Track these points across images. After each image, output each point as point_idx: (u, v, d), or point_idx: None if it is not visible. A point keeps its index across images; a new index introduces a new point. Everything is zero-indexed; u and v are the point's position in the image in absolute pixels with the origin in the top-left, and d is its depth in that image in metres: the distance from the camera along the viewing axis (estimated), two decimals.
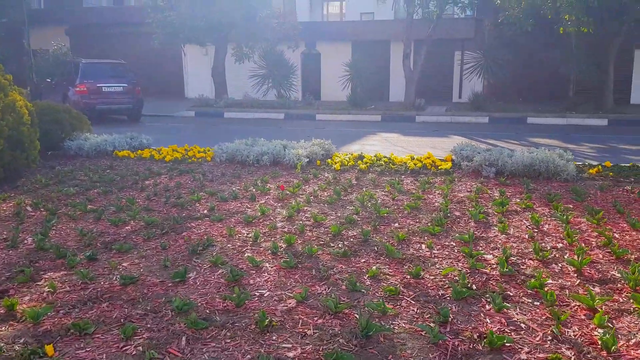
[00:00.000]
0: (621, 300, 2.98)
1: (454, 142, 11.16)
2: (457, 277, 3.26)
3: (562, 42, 18.13)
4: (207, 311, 3.00)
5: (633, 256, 3.66)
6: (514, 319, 2.67)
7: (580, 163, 6.56)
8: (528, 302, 2.88)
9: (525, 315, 2.71)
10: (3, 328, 2.87)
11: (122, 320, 2.92)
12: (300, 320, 2.81)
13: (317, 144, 8.19)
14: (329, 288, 3.23)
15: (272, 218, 4.92)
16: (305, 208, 5.21)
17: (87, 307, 3.11)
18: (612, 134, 12.44)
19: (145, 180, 6.71)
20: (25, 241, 4.34)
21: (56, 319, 2.96)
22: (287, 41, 19.97)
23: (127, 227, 4.72)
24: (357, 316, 2.77)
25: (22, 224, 4.83)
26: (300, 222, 4.76)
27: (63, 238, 4.44)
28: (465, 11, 18.34)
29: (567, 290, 3.03)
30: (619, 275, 3.28)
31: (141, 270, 3.67)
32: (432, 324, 2.64)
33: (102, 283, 3.45)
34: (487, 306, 2.83)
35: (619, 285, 3.18)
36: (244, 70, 20.67)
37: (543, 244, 3.86)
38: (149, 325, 2.84)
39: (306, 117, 17.27)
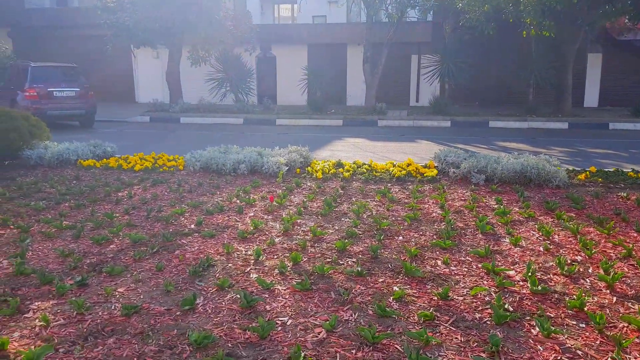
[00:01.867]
0: None
1: (424, 147, 11.29)
2: (487, 297, 3.15)
3: (520, 47, 18.74)
4: (229, 345, 2.74)
5: None
6: (567, 345, 2.56)
7: (564, 168, 6.65)
8: (573, 324, 2.80)
9: (576, 340, 2.62)
10: None
11: (135, 359, 2.62)
12: (338, 354, 2.60)
13: (294, 151, 7.98)
14: (355, 313, 3.04)
15: (267, 233, 4.68)
16: (299, 221, 4.99)
17: (89, 343, 2.78)
18: (575, 137, 12.89)
19: (118, 192, 6.28)
20: (1, 265, 3.90)
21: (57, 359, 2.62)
22: (244, 44, 19.61)
23: (112, 246, 4.35)
24: (399, 347, 2.60)
25: None
26: (299, 236, 4.54)
27: (42, 260, 4.03)
28: (426, 15, 18.61)
29: (606, 310, 2.97)
30: None
31: (141, 297, 3.35)
32: (482, 354, 2.49)
33: (100, 313, 3.11)
34: (532, 330, 2.72)
35: None
36: (200, 74, 20.14)
37: (562, 258, 3.82)
38: None
39: (266, 122, 16.98)
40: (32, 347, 2.74)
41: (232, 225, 4.92)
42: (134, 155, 8.43)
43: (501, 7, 15.39)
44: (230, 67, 19.74)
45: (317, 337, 2.78)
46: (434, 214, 5.16)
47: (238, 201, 5.81)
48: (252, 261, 3.96)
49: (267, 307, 3.17)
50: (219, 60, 19.79)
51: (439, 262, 3.82)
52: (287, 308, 3.15)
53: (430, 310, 3.00)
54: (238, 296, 3.29)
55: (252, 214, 5.31)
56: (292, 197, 6.04)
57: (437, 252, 4.05)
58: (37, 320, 3.03)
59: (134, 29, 17.65)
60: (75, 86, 15.17)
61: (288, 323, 2.96)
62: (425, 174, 6.82)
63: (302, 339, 2.76)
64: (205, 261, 3.87)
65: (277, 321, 2.97)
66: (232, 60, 19.80)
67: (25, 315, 3.10)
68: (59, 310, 3.15)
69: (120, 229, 4.69)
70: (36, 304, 3.25)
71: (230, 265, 3.89)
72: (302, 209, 5.37)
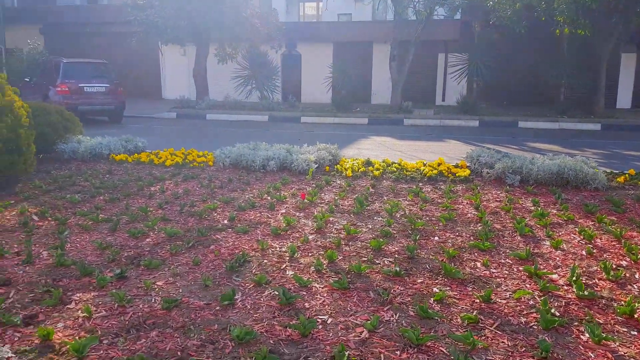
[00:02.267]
0: None
1: (452, 146, 11.16)
2: (531, 301, 3.08)
3: (552, 46, 18.36)
4: (271, 341, 2.73)
5: None
6: (619, 353, 2.49)
7: (600, 170, 6.48)
8: (623, 331, 2.72)
9: (629, 347, 2.54)
10: None
11: (178, 353, 2.62)
12: (382, 355, 2.57)
13: (323, 148, 7.95)
14: (395, 314, 3.00)
15: (300, 230, 4.66)
16: (332, 219, 4.97)
17: (132, 335, 2.81)
18: (608, 139, 12.59)
19: (150, 187, 6.35)
20: (41, 255, 3.97)
21: (102, 352, 2.64)
22: (270, 42, 19.66)
23: (148, 240, 4.39)
24: (444, 350, 2.55)
25: (32, 235, 4.45)
26: (332, 234, 4.52)
27: (81, 252, 4.08)
28: (455, 12, 18.39)
29: None
30: None
31: (180, 290, 3.37)
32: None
33: (140, 306, 3.14)
34: (582, 337, 2.64)
35: None
36: (225, 71, 20.27)
37: (608, 262, 3.72)
38: None
39: (290, 119, 17.01)
40: (77, 337, 2.77)
41: (264, 222, 4.92)
42: (164, 150, 8.51)
43: (533, 5, 15.11)
44: (256, 64, 19.82)
45: (359, 336, 2.75)
46: (469, 215, 5.08)
47: (269, 198, 5.81)
48: (287, 258, 3.95)
49: (306, 304, 3.16)
50: (246, 57, 19.88)
51: (478, 264, 3.76)
52: (326, 306, 3.12)
53: (474, 313, 2.95)
54: (276, 293, 3.28)
55: (283, 211, 5.30)
56: (323, 194, 6.02)
57: (476, 254, 3.98)
58: (79, 311, 3.07)
59: (162, 26, 17.85)
60: (106, 82, 15.44)
61: (328, 321, 2.94)
62: (457, 174, 6.73)
63: (344, 338, 2.73)
64: (241, 257, 3.87)
65: (318, 319, 2.95)
66: (258, 57, 19.87)
67: (68, 306, 3.14)
68: (100, 302, 3.18)
69: (155, 223, 4.73)
70: (78, 295, 3.29)
71: (265, 261, 3.89)
72: (333, 206, 5.35)
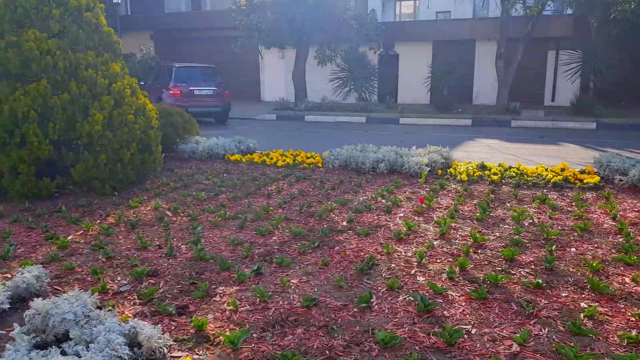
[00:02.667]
0: None
1: (570, 150, 10.47)
2: None
3: None
4: (416, 348, 2.70)
5: None
6: None
7: None
8: None
9: None
10: (200, 352, 2.71)
11: (327, 352, 2.68)
12: None
13: (434, 151, 7.80)
14: (544, 328, 2.86)
15: (422, 235, 4.59)
16: (454, 224, 4.85)
17: (277, 331, 2.91)
18: None
19: (266, 187, 6.58)
20: (180, 249, 4.25)
21: (253, 345, 2.76)
22: (369, 42, 19.65)
23: (274, 238, 4.54)
24: None
25: (168, 230, 4.77)
26: (458, 241, 4.40)
27: (215, 247, 4.31)
28: (570, 7, 17.26)
29: None
30: None
31: (315, 289, 3.45)
32: None
33: (280, 303, 3.25)
34: None
35: None
36: (322, 73, 20.56)
37: None
38: None
39: (389, 120, 16.89)
40: (226, 329, 2.92)
41: (383, 225, 4.90)
42: (274, 151, 8.79)
43: None
44: (355, 65, 19.91)
45: (509, 350, 2.65)
46: (606, 225, 4.73)
47: (384, 200, 5.79)
48: (415, 263, 3.90)
49: (445, 312, 3.09)
50: (344, 59, 20.04)
51: (627, 279, 3.48)
52: (467, 316, 3.04)
53: (634, 333, 2.72)
54: (411, 298, 3.25)
55: (401, 215, 5.26)
56: (439, 199, 5.90)
57: (622, 268, 3.69)
58: (225, 304, 3.24)
59: (265, 30, 18.50)
60: (213, 85, 16.27)
61: (473, 332, 2.85)
62: (584, 181, 6.29)
63: (494, 351, 2.64)
64: (369, 260, 3.88)
65: (460, 329, 2.88)
66: (356, 58, 19.95)
67: (214, 298, 3.32)
68: (243, 297, 3.34)
69: (279, 222, 4.89)
70: (220, 288, 3.47)
71: (393, 265, 3.87)
72: (453, 212, 5.21)
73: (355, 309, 3.16)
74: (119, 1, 23.90)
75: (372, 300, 3.25)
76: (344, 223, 4.97)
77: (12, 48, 5.86)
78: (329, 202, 5.70)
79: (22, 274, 3.30)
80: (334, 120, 17.43)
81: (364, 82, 19.99)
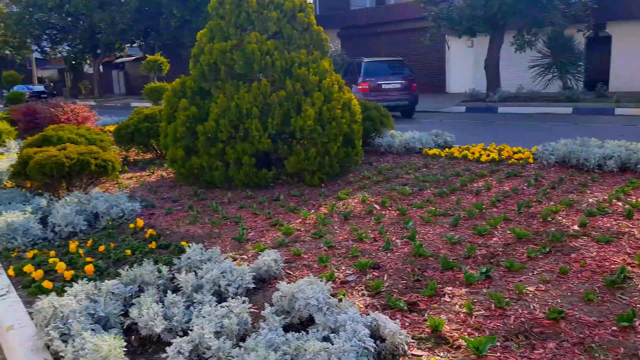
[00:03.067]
0: None
1: None
2: None
3: None
4: None
5: None
6: None
7: None
8: None
9: None
10: (442, 354, 2.56)
11: None
12: None
13: None
14: None
15: None
16: None
17: (523, 342, 2.62)
18: None
19: (473, 183, 6.20)
20: (396, 244, 4.18)
21: (498, 353, 2.52)
22: (576, 24, 17.57)
23: (494, 239, 4.21)
24: None
25: (380, 223, 4.76)
26: None
27: (431, 244, 4.15)
28: None
29: None
30: None
31: (557, 300, 3.06)
32: None
33: (520, 311, 2.94)
34: None
35: None
36: (518, 60, 19.01)
37: None
38: None
39: (601, 111, 14.92)
40: (464, 334, 2.73)
41: (625, 232, 4.21)
42: (474, 145, 8.32)
43: None
44: (558, 50, 18.00)
45: None
46: None
47: (620, 203, 5.01)
48: None
49: None
50: (546, 44, 18.25)
51: None
52: None
53: None
54: None
55: None
56: None
57: None
58: (457, 306, 3.05)
59: (457, 18, 17.79)
60: (401, 79, 16.18)
61: None
62: None
63: None
64: (621, 271, 3.33)
65: None
66: (561, 42, 18.01)
67: (443, 298, 3.16)
68: (475, 300, 3.11)
69: (498, 222, 4.52)
70: (448, 288, 3.29)
71: None
72: None
73: (614, 328, 2.71)
74: (312, 2, 25.38)
75: (634, 319, 2.76)
76: (575, 227, 4.40)
77: (237, 50, 6.46)
78: (551, 203, 5.13)
79: (262, 257, 3.54)
80: (533, 112, 16.05)
81: (570, 68, 17.96)
